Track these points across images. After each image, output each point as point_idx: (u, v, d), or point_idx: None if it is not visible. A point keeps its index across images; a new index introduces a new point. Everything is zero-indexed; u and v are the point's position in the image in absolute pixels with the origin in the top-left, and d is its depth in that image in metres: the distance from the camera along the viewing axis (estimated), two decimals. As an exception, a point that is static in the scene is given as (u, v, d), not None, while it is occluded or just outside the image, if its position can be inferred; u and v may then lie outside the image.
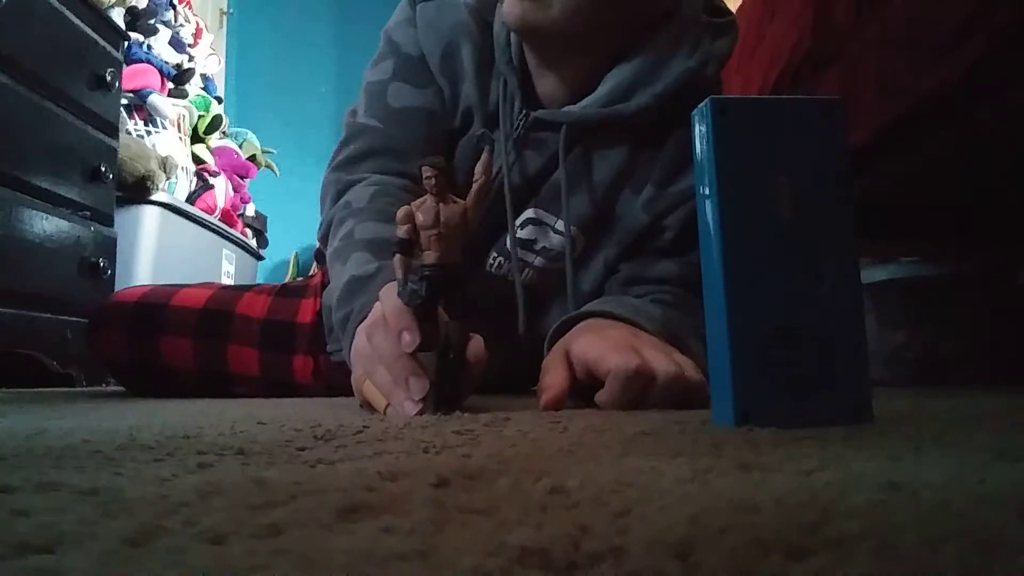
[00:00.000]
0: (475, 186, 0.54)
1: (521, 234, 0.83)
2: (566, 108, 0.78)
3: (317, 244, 0.90)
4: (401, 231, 0.52)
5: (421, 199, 0.53)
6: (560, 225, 0.82)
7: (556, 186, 0.81)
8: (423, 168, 0.52)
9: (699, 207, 0.43)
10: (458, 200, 0.53)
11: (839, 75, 0.92)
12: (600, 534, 0.16)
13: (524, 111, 0.79)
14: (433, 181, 0.51)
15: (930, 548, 0.15)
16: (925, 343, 1.18)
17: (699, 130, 0.43)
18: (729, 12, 0.84)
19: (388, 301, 0.54)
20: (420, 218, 0.52)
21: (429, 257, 0.52)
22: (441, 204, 0.52)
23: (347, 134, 0.86)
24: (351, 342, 0.61)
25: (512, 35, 0.78)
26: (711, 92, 0.46)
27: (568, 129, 0.78)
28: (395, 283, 0.53)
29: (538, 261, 0.84)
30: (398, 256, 0.52)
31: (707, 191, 0.42)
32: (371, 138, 0.83)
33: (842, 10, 0.92)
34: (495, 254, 0.86)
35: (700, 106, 0.42)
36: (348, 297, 0.67)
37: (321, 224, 0.84)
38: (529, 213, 0.83)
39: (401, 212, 0.53)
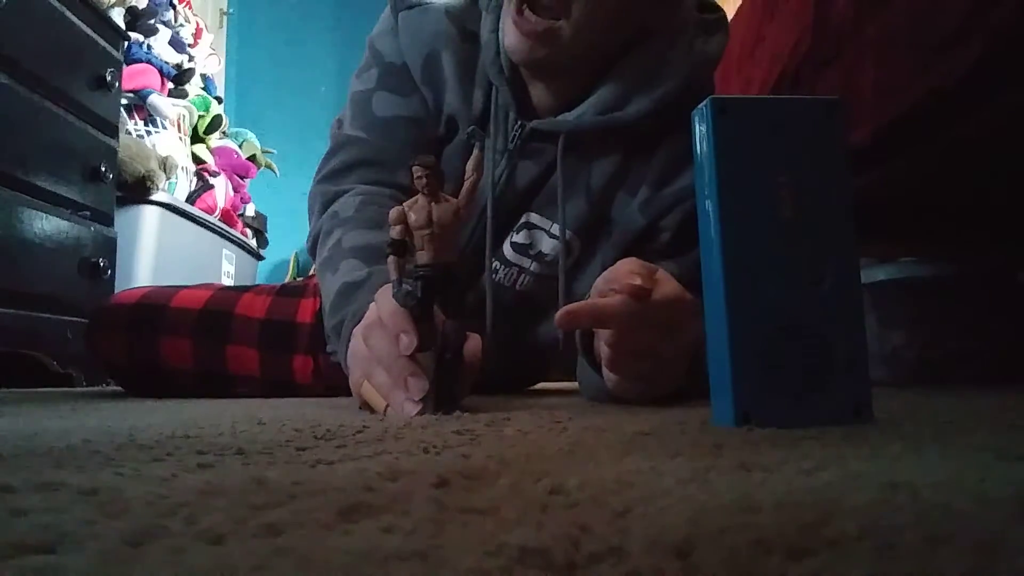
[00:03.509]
0: (467, 183, 0.54)
1: (517, 239, 0.83)
2: (562, 117, 0.78)
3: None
4: (394, 232, 0.52)
5: (413, 199, 0.52)
6: (554, 229, 0.82)
7: (551, 191, 0.81)
8: (414, 168, 0.51)
9: (699, 207, 0.43)
10: (450, 199, 0.53)
11: (839, 75, 0.92)
12: (600, 534, 0.16)
13: (520, 122, 0.79)
14: (424, 180, 0.51)
15: (930, 548, 0.15)
16: (925, 343, 1.18)
17: (699, 130, 0.43)
18: (718, 8, 0.84)
19: (384, 303, 0.54)
20: (413, 218, 0.52)
21: (423, 257, 0.52)
22: (433, 203, 0.52)
23: (333, 145, 0.86)
24: (347, 345, 0.61)
25: (501, 45, 0.78)
26: (705, 92, 0.46)
27: (565, 137, 0.78)
28: (390, 285, 0.52)
29: (534, 267, 0.84)
30: (392, 257, 0.51)
31: (707, 191, 0.42)
32: (357, 149, 0.83)
33: (842, 10, 0.92)
34: (494, 261, 0.85)
35: (700, 106, 0.42)
36: (341, 303, 0.67)
37: (309, 235, 0.84)
38: (525, 218, 0.83)
39: (393, 213, 0.52)
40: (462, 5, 0.82)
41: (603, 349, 0.57)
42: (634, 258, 0.60)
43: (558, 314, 0.55)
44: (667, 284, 0.55)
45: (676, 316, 0.55)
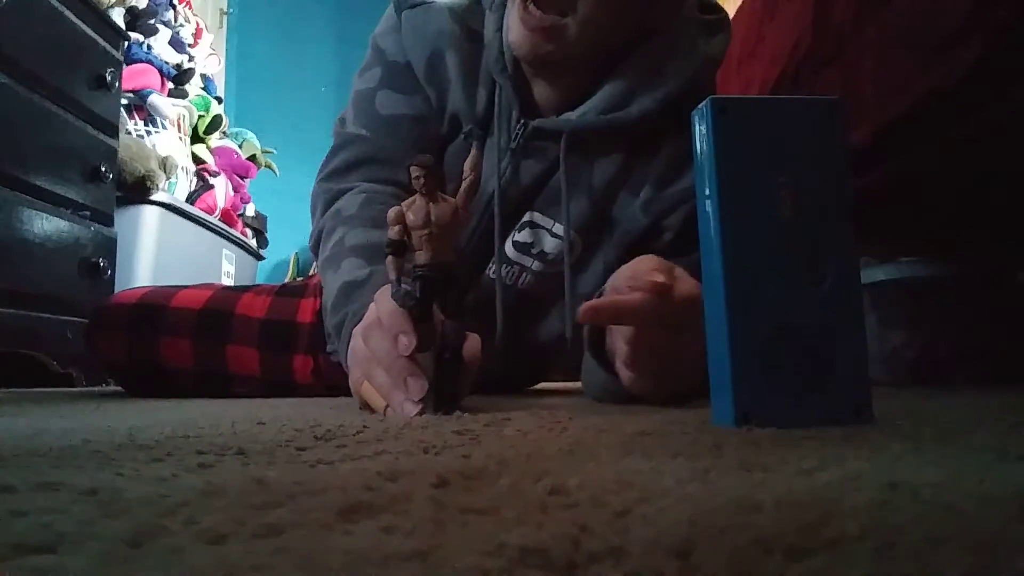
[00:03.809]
0: (464, 183, 0.54)
1: (519, 237, 0.83)
2: (564, 116, 0.78)
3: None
4: (392, 232, 0.52)
5: (411, 199, 0.53)
6: (556, 228, 0.82)
7: (553, 190, 0.81)
8: (411, 168, 0.51)
9: (699, 207, 0.43)
10: (449, 199, 0.53)
11: (839, 75, 0.92)
12: (600, 534, 0.16)
13: (522, 120, 0.79)
14: (422, 180, 0.51)
15: (930, 548, 0.15)
16: (925, 343, 1.18)
17: (699, 130, 0.42)
18: (720, 8, 0.84)
19: (383, 303, 0.54)
20: (411, 218, 0.52)
21: (421, 257, 0.52)
22: (431, 203, 0.52)
23: (336, 143, 0.86)
24: (347, 345, 0.61)
25: (505, 43, 0.78)
26: (707, 92, 0.46)
27: (567, 136, 0.78)
28: (389, 285, 0.52)
29: (536, 266, 0.84)
30: (390, 257, 0.51)
31: (707, 191, 0.42)
32: (360, 147, 0.83)
33: (842, 10, 0.92)
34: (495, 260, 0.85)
35: (700, 106, 0.42)
36: (342, 302, 0.67)
37: (312, 234, 0.84)
38: (527, 216, 0.83)
39: (392, 213, 0.52)
40: (465, 4, 0.82)
41: (620, 346, 0.57)
42: (652, 255, 0.60)
43: (581, 309, 0.54)
44: (686, 282, 0.55)
45: (695, 314, 0.55)
